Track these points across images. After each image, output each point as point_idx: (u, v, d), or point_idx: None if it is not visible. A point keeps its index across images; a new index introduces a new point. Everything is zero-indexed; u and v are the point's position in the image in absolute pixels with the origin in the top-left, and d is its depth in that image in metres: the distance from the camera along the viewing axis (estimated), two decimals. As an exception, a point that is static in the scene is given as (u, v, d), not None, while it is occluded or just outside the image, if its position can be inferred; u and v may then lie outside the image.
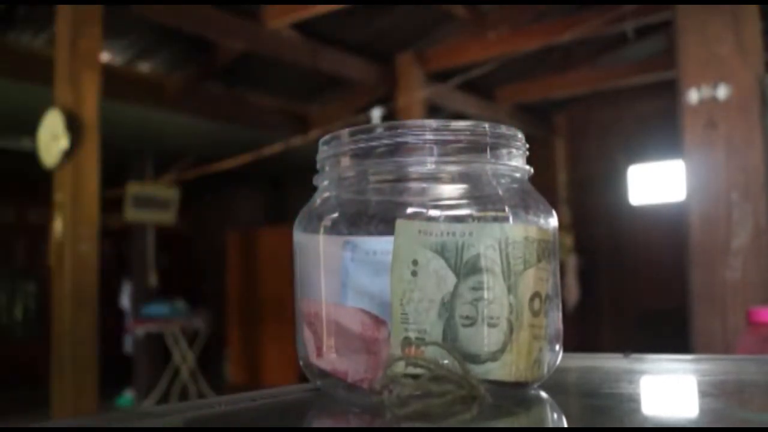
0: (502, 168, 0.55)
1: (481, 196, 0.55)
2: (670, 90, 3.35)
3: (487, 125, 0.55)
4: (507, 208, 0.53)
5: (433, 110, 5.66)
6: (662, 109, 6.02)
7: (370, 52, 5.31)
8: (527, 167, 0.57)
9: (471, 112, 5.92)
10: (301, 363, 0.59)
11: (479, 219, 0.52)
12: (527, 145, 0.58)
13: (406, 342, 0.50)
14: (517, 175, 0.56)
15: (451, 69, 5.22)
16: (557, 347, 0.55)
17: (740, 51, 2.96)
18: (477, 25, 4.97)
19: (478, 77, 4.80)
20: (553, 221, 0.56)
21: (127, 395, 6.18)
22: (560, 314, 0.56)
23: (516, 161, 0.56)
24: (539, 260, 0.51)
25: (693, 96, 3.03)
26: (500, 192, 0.55)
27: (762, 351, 1.64)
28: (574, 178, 7.27)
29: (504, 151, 0.56)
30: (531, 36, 4.81)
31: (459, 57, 5.22)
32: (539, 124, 7.03)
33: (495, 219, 0.52)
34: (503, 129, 0.56)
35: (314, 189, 0.61)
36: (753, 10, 3.01)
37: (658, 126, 6.27)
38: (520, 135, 0.57)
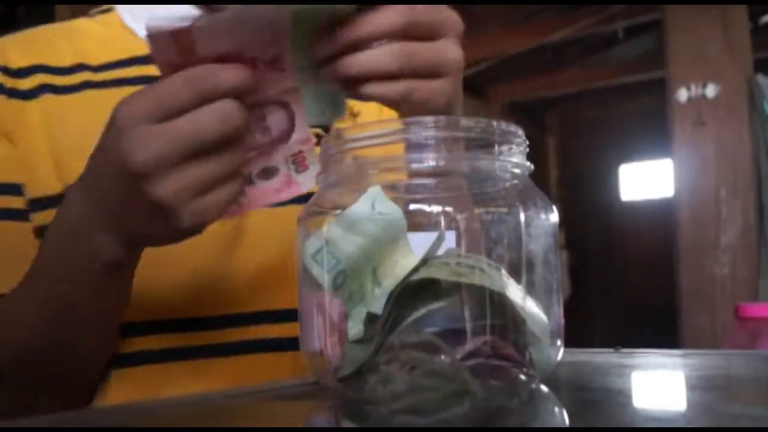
0: (503, 164, 0.55)
1: (483, 193, 0.56)
2: (660, 88, 3.36)
3: (491, 122, 0.55)
4: (506, 205, 0.54)
5: (426, 109, 5.65)
6: (652, 108, 6.04)
7: (364, 51, 5.31)
8: (527, 163, 0.57)
9: (463, 111, 5.92)
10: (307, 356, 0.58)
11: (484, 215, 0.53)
12: (527, 142, 0.58)
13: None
14: (518, 171, 0.56)
15: (443, 68, 5.22)
16: (558, 342, 0.55)
17: (729, 51, 2.98)
18: (469, 24, 4.98)
19: (469, 76, 4.81)
20: (554, 216, 0.56)
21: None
22: (561, 310, 0.56)
23: (516, 158, 0.56)
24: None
25: (682, 95, 3.05)
26: (501, 188, 0.56)
27: (750, 346, 1.67)
28: (565, 176, 7.29)
29: (505, 147, 0.56)
30: (522, 36, 4.82)
31: (451, 56, 5.23)
32: (531, 123, 7.03)
33: (495, 215, 0.53)
34: (504, 125, 0.56)
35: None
36: (741, 10, 3.03)
37: (649, 124, 6.29)
38: (520, 131, 0.57)
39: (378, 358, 0.51)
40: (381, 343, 0.51)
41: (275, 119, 0.59)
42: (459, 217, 0.52)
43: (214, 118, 0.52)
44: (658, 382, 0.63)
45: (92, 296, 0.61)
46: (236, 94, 0.54)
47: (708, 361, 0.71)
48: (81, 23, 0.88)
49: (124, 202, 0.54)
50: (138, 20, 0.83)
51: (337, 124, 0.94)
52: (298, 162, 0.60)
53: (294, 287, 0.83)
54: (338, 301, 0.54)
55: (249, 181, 0.59)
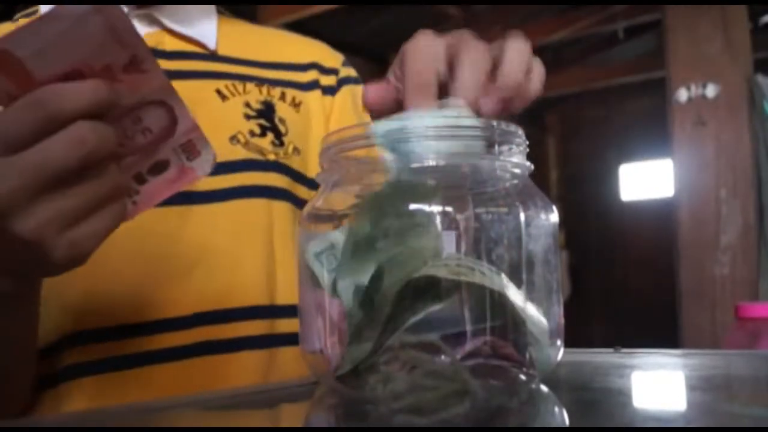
0: (503, 164, 0.55)
1: (483, 193, 0.56)
2: (660, 88, 3.36)
3: (491, 122, 0.55)
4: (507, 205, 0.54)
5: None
6: (652, 108, 6.04)
7: (365, 51, 5.31)
8: (527, 163, 0.57)
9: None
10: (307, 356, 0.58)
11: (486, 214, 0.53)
12: (527, 142, 0.58)
13: None
14: (518, 171, 0.56)
15: (443, 68, 5.23)
16: (558, 342, 0.55)
17: (729, 51, 2.98)
18: (469, 25, 4.99)
19: (470, 76, 4.79)
20: (554, 216, 0.56)
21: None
22: (561, 310, 0.56)
23: (516, 158, 0.56)
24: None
25: (682, 95, 3.05)
26: (501, 188, 0.56)
27: (750, 346, 1.67)
28: (566, 176, 7.29)
29: (505, 147, 0.55)
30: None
31: (452, 56, 5.23)
32: (531, 123, 7.03)
33: (495, 215, 0.53)
34: (504, 125, 0.55)
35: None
36: (742, 10, 3.03)
37: (649, 124, 6.28)
38: (520, 131, 0.57)
39: (378, 358, 0.50)
40: (381, 343, 0.51)
41: (153, 118, 0.54)
42: (459, 217, 0.52)
43: (64, 146, 0.46)
44: (658, 382, 0.63)
45: None
46: (92, 112, 0.48)
47: (708, 361, 0.70)
48: (5, 27, 0.84)
49: None
50: None
51: (281, 127, 0.88)
52: (189, 150, 0.57)
53: (247, 285, 0.81)
54: (338, 301, 0.54)
55: (141, 179, 0.56)
